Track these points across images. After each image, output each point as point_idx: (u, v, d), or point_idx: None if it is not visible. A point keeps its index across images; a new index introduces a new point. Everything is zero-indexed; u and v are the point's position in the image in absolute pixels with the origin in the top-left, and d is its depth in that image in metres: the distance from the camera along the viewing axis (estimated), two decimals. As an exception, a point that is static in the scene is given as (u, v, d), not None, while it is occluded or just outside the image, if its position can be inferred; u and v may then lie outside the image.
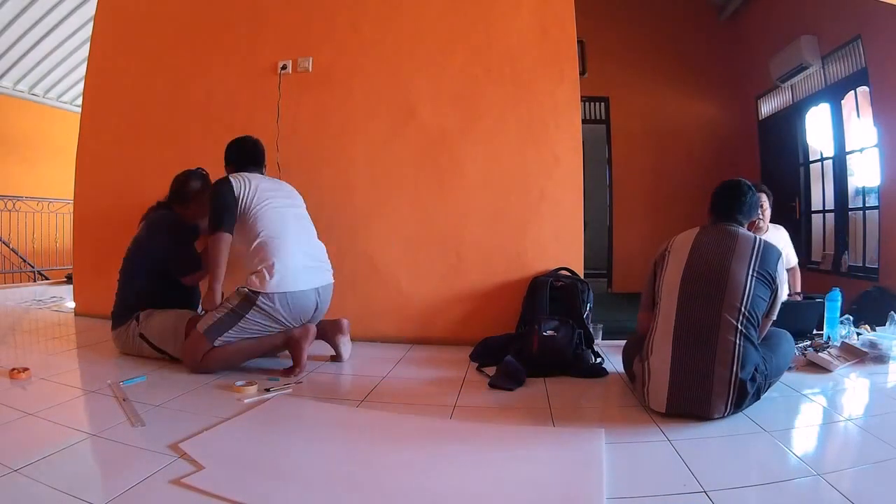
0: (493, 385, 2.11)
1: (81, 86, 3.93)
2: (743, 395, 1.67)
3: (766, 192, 2.90)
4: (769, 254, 1.78)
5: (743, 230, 1.86)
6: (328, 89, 3.09)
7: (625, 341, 2.21)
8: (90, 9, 4.85)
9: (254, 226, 2.22)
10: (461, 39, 3.01)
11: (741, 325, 1.69)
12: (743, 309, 1.70)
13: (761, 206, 2.86)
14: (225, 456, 1.44)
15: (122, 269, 2.52)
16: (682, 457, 1.43)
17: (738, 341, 1.68)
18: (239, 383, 2.02)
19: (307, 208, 2.56)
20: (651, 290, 1.95)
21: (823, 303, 2.58)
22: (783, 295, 1.85)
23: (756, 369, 1.69)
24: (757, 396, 1.73)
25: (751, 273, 1.73)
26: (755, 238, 1.82)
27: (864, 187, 4.09)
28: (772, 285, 1.77)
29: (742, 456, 1.48)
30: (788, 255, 2.98)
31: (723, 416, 1.68)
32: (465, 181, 2.98)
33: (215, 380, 2.13)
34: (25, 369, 2.07)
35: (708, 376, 1.66)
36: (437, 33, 3.03)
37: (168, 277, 2.46)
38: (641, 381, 1.83)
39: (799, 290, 3.07)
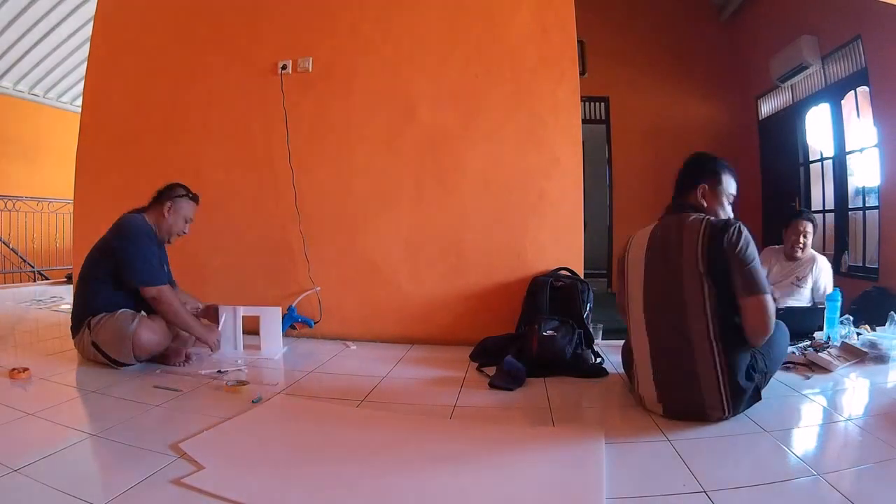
0: (493, 385, 2.11)
1: (81, 86, 3.92)
2: (739, 396, 1.64)
3: (811, 220, 2.88)
4: (714, 232, 1.61)
5: (691, 216, 1.68)
6: (328, 89, 3.09)
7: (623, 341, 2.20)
8: (90, 9, 4.84)
9: None
10: (461, 39, 3.01)
11: (711, 331, 1.61)
12: (708, 314, 1.61)
13: (804, 231, 2.86)
14: (225, 456, 1.44)
15: (83, 271, 2.34)
16: (682, 457, 1.43)
17: (714, 347, 1.61)
18: (231, 383, 2.04)
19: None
20: (622, 289, 1.90)
21: (825, 308, 2.58)
22: (752, 265, 1.60)
23: (751, 367, 1.66)
24: (757, 394, 1.70)
25: (701, 269, 1.60)
26: (701, 221, 1.65)
27: (864, 187, 4.09)
28: (720, 274, 1.59)
29: (742, 456, 1.48)
30: (827, 287, 2.89)
31: (725, 418, 1.66)
32: (465, 181, 2.98)
33: (214, 380, 2.13)
34: (25, 369, 2.07)
35: (694, 387, 1.64)
36: (437, 33, 3.03)
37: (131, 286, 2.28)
38: (636, 384, 1.85)
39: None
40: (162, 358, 2.33)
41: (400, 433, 1.66)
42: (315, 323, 3.01)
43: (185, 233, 2.49)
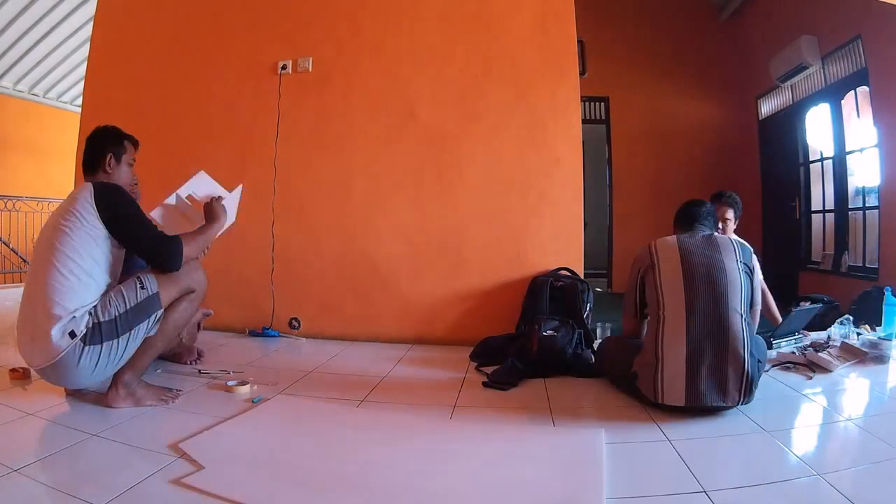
0: (486, 384, 2.12)
1: (81, 86, 3.92)
2: (751, 381, 1.73)
3: (733, 205, 2.87)
4: (745, 248, 1.95)
5: (716, 233, 2.00)
6: (328, 89, 3.09)
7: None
8: (90, 9, 4.85)
9: None
10: (461, 39, 3.01)
11: (744, 314, 1.78)
12: (743, 299, 1.80)
13: (726, 218, 2.87)
14: (225, 456, 1.44)
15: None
16: (682, 457, 1.43)
17: (744, 329, 1.75)
18: (231, 383, 2.04)
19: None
20: (636, 297, 2.00)
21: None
22: (760, 282, 2.03)
23: (755, 355, 1.77)
24: (756, 382, 1.77)
25: (739, 266, 1.85)
26: (729, 237, 1.99)
27: (864, 187, 4.09)
28: (751, 275, 1.90)
29: (742, 456, 1.48)
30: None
31: (735, 405, 1.72)
32: (465, 181, 2.98)
33: (214, 380, 2.13)
34: (25, 369, 2.07)
35: (724, 367, 1.72)
36: (437, 33, 3.03)
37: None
38: (652, 378, 1.79)
39: (776, 313, 2.87)
40: (174, 356, 2.31)
41: (400, 433, 1.66)
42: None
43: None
